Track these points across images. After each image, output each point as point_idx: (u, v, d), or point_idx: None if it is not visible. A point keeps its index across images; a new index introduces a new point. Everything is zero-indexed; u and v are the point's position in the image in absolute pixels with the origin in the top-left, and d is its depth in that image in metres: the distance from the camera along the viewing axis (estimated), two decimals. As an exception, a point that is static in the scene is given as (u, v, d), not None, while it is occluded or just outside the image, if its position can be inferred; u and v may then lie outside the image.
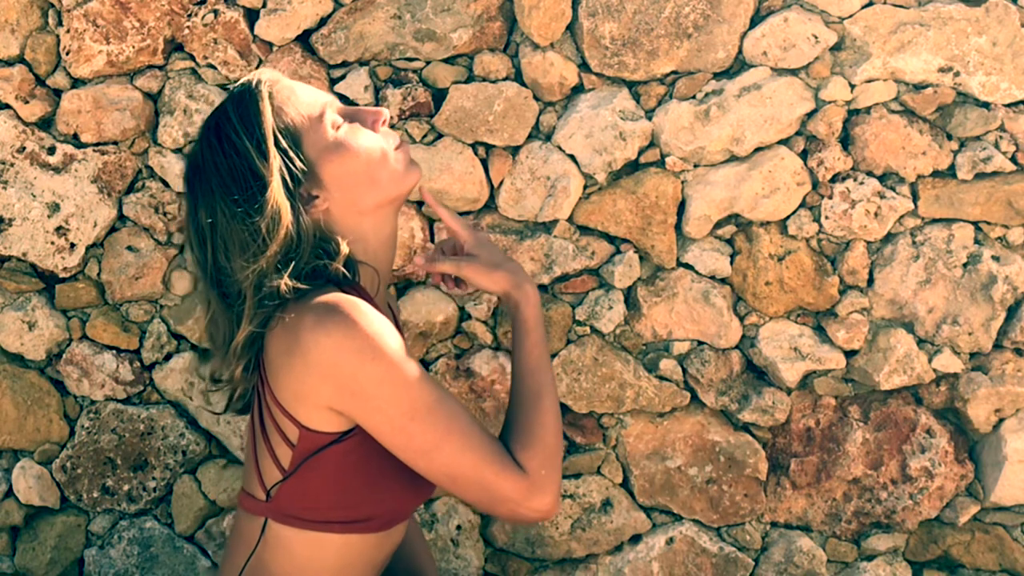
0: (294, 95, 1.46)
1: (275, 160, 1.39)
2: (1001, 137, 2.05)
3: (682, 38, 2.03)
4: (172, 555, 2.19)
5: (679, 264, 2.10)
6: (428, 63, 2.06)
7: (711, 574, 2.17)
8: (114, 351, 2.15)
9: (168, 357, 2.15)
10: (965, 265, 2.08)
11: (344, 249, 1.43)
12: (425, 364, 2.14)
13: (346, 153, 1.43)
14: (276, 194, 1.38)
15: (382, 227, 1.50)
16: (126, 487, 2.18)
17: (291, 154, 1.41)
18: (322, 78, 2.05)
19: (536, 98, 2.06)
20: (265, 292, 1.39)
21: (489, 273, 1.55)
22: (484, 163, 2.08)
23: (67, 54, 2.05)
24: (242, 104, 1.43)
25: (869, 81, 2.03)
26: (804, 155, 2.06)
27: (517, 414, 1.45)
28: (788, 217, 2.08)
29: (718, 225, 2.09)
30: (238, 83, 1.48)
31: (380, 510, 1.45)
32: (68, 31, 2.04)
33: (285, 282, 1.37)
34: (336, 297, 1.36)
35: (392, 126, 2.04)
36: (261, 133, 1.40)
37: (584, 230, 2.10)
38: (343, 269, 1.43)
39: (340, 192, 1.44)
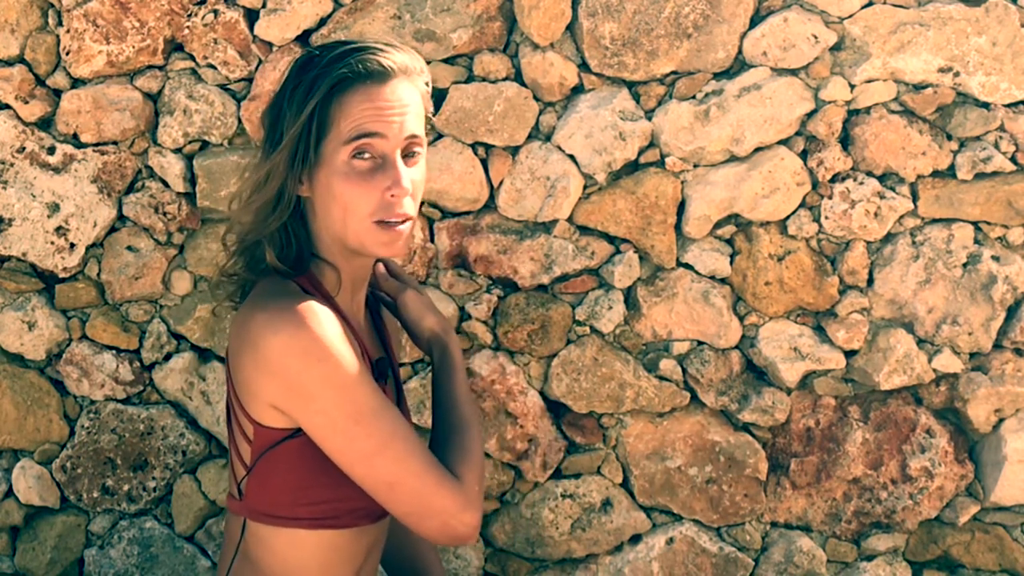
0: (369, 101, 1.37)
1: (299, 131, 1.38)
2: (1001, 137, 2.05)
3: (682, 38, 2.03)
4: (172, 555, 2.19)
5: (679, 264, 2.10)
6: (428, 63, 2.06)
7: (711, 574, 2.17)
8: (114, 351, 2.15)
9: (168, 357, 2.15)
10: (965, 265, 2.08)
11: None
12: (425, 364, 2.14)
13: (336, 186, 1.39)
14: (280, 156, 1.39)
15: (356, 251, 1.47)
16: (126, 487, 2.18)
17: (312, 138, 1.38)
18: (322, 78, 2.04)
19: (536, 98, 2.06)
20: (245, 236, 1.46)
21: (427, 311, 1.61)
22: (484, 163, 2.08)
23: (67, 54, 2.05)
24: (333, 63, 1.38)
25: (869, 81, 2.03)
26: (804, 155, 2.06)
27: (450, 437, 1.47)
28: (788, 217, 2.08)
29: (718, 225, 2.09)
30: (365, 42, 1.41)
31: (345, 507, 1.44)
32: (68, 31, 2.04)
33: (270, 255, 1.42)
34: (289, 295, 1.37)
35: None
36: (312, 101, 1.37)
37: (584, 230, 2.10)
38: (282, 267, 1.43)
39: (319, 201, 1.43)
